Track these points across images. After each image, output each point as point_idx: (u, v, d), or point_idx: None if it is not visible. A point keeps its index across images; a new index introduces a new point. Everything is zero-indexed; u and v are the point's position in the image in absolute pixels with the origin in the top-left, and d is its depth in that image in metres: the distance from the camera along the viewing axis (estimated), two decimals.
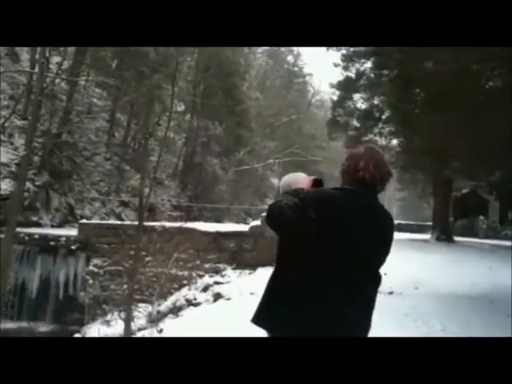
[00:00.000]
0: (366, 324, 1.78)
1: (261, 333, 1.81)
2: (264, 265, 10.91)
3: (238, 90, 24.69)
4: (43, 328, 10.80)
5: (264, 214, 13.37)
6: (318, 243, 1.68)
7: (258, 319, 1.79)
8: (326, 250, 1.68)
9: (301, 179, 1.99)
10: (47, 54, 17.22)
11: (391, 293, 7.51)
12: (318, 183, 1.94)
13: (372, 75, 20.89)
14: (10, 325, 10.14)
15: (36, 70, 16.63)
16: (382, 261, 1.82)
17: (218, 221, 18.98)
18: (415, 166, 16.71)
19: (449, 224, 17.49)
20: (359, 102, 21.30)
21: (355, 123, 20.39)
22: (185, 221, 13.69)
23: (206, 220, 17.51)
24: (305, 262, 1.70)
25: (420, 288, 8.22)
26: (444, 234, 15.76)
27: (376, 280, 1.80)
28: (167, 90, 21.21)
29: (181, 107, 24.53)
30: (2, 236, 10.66)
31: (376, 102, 20.60)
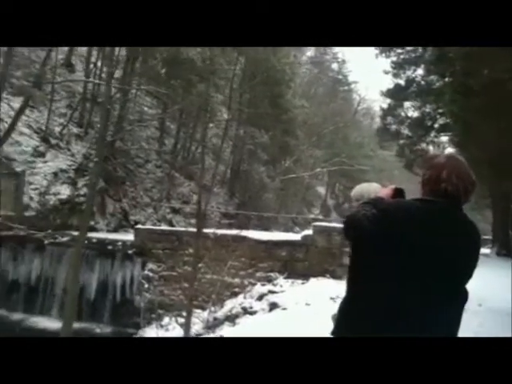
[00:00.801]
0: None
1: None
2: (316, 275, 10.76)
3: (284, 99, 24.67)
4: (101, 330, 11.06)
5: (314, 223, 13.22)
6: (399, 256, 1.61)
7: (338, 332, 1.75)
8: (408, 263, 1.61)
9: (379, 189, 1.91)
10: (99, 64, 17.94)
11: None
12: (398, 193, 1.83)
13: (423, 82, 20.35)
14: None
15: (91, 79, 17.36)
16: (468, 275, 1.72)
17: (266, 229, 18.96)
18: None
19: (510, 238, 16.70)
20: (410, 110, 20.84)
21: (406, 132, 19.91)
22: (237, 228, 13.72)
23: (254, 228, 17.53)
24: (385, 275, 1.63)
25: (483, 305, 7.85)
26: (505, 248, 15.05)
27: (462, 296, 1.71)
28: (215, 98, 21.45)
29: (228, 115, 24.78)
30: (64, 240, 11.12)
31: (428, 109, 20.06)
